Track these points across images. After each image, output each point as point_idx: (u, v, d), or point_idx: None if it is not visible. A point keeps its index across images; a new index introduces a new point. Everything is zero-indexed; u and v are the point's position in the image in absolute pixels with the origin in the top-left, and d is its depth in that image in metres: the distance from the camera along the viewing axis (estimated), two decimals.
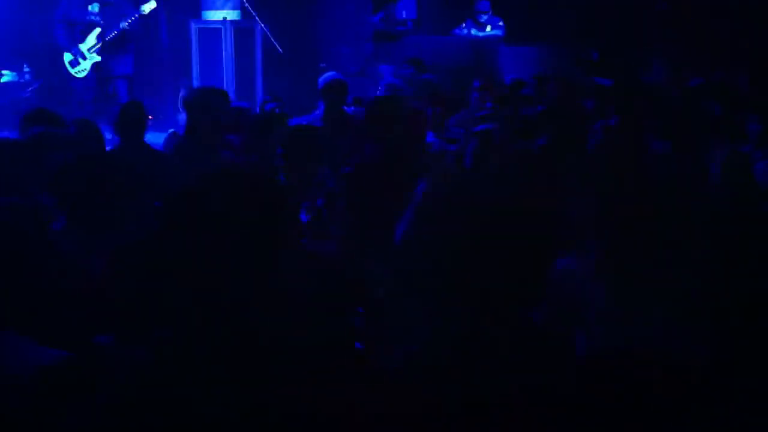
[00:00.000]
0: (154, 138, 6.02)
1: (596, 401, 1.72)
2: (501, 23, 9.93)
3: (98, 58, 7.51)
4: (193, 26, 8.98)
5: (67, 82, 7.67)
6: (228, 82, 8.74)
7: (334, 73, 5.98)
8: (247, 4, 8.65)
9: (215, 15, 9.10)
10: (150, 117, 6.29)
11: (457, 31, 10.10)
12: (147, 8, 7.46)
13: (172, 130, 6.16)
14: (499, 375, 1.66)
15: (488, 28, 9.96)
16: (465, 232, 1.76)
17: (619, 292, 2.38)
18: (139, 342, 1.74)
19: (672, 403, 1.77)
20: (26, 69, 8.80)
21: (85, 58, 7.52)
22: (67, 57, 7.46)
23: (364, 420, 1.62)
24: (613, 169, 3.72)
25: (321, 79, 5.75)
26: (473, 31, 9.98)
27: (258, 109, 7.71)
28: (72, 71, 7.52)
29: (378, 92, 7.41)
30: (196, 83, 8.88)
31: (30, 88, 8.64)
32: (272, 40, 8.50)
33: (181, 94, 9.30)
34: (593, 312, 2.36)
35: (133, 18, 7.43)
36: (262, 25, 8.60)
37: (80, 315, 2.27)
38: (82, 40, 7.50)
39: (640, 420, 1.74)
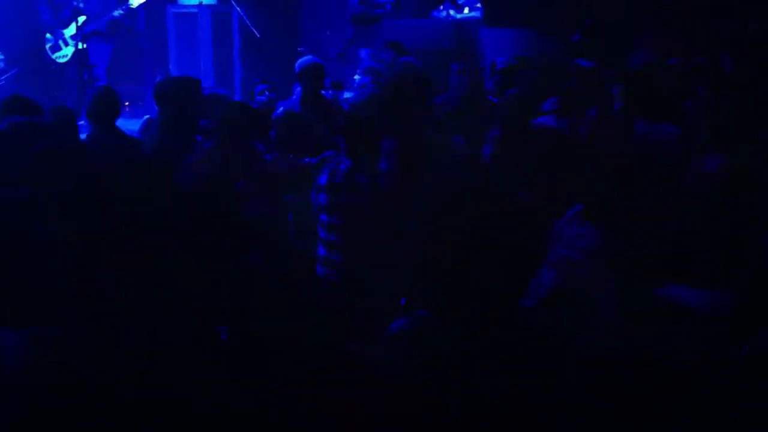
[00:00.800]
0: (133, 125, 5.96)
1: (597, 401, 1.70)
2: (478, 4, 9.86)
3: (81, 46, 7.41)
4: (170, 11, 8.87)
5: (45, 70, 7.55)
6: (205, 67, 8.65)
7: (311, 57, 5.92)
8: None
9: (192, 0, 8.99)
10: (126, 104, 6.22)
11: (435, 13, 10.02)
12: (136, 1, 7.38)
13: (147, 116, 6.08)
14: (499, 375, 1.64)
15: (466, 10, 9.90)
16: (471, 229, 1.71)
17: (627, 290, 2.31)
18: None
19: (672, 403, 1.75)
20: (0, 56, 8.66)
21: (67, 44, 7.44)
22: (48, 42, 7.37)
23: (352, 421, 1.61)
24: (602, 160, 3.65)
25: (298, 63, 5.69)
26: (452, 13, 9.91)
27: (239, 94, 7.66)
28: (53, 56, 7.43)
29: (357, 76, 7.37)
30: (173, 69, 8.78)
31: (5, 76, 8.50)
32: (249, 24, 8.40)
33: (156, 81, 9.21)
34: (599, 310, 2.30)
35: (122, 11, 7.35)
36: (239, 9, 8.49)
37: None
38: (66, 26, 7.40)
39: (641, 420, 1.73)
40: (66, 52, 7.48)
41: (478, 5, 9.90)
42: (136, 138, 4.95)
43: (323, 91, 5.77)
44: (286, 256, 2.08)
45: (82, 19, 7.38)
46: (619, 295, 2.38)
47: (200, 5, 8.72)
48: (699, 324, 2.10)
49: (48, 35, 7.33)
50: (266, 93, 6.02)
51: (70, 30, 7.42)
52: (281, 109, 5.50)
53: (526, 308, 1.94)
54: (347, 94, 6.62)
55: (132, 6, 7.39)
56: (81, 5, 7.40)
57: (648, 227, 2.66)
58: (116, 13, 7.34)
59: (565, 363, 1.74)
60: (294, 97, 5.70)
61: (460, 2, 9.96)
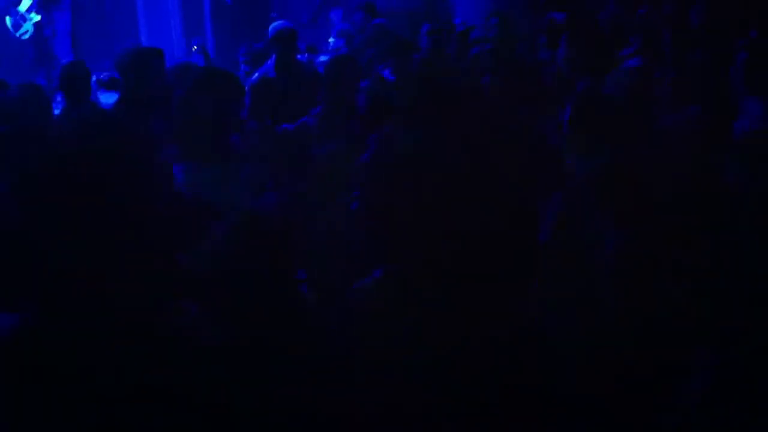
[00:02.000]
0: (110, 99, 5.85)
1: (595, 400, 1.71)
2: None
3: (38, 18, 7.28)
4: None
5: (12, 50, 7.41)
6: (176, 36, 8.54)
7: (283, 21, 5.86)
8: None
9: None
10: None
11: None
12: None
13: None
14: (492, 373, 1.58)
15: None
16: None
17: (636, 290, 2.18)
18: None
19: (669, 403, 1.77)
20: None
21: (25, 20, 7.30)
22: (9, 21, 7.24)
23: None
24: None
25: (270, 29, 5.63)
26: None
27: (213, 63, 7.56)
28: (17, 34, 7.31)
29: (331, 40, 7.32)
30: (143, 39, 8.66)
31: None
32: None
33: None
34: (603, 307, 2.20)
35: None
36: None
37: None
38: (19, 2, 7.26)
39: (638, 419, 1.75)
40: (27, 28, 7.34)
41: None
42: (113, 111, 4.88)
43: (298, 56, 5.72)
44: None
45: None
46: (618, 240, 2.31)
47: None
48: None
49: (7, 18, 7.20)
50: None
51: (24, 5, 7.28)
52: (256, 75, 5.46)
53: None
54: (322, 58, 6.58)
55: None
56: None
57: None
58: None
59: (561, 360, 1.71)
60: (269, 62, 5.65)
61: None
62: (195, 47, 6.78)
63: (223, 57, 8.54)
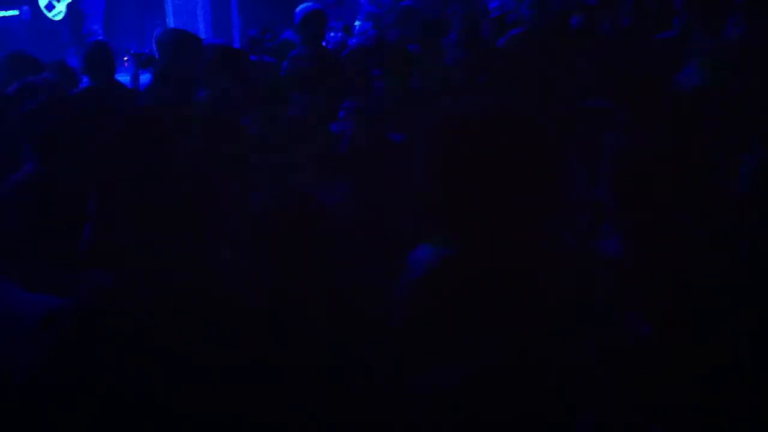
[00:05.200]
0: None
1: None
2: None
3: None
4: None
5: (42, 29, 7.46)
6: (204, 16, 8.56)
7: (311, 3, 5.82)
8: None
9: None
10: (125, 59, 6.15)
11: None
12: None
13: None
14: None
15: None
16: None
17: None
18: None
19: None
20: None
21: (59, 1, 7.38)
22: (42, 1, 7.30)
23: None
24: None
25: (298, 11, 5.58)
26: None
27: (237, 43, 7.57)
28: (49, 15, 7.37)
29: (358, 22, 7.29)
30: (170, 20, 8.69)
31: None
32: None
33: (155, 34, 9.11)
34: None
35: None
36: None
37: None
38: None
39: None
40: (60, 9, 7.41)
41: None
42: (135, 90, 4.94)
43: (332, 34, 5.68)
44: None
45: None
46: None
47: None
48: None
49: None
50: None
51: None
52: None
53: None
54: (353, 41, 6.55)
55: None
56: None
57: None
58: None
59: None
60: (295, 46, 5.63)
61: None
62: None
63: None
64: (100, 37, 7.34)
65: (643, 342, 1.84)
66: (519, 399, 1.52)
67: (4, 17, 6.64)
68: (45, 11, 7.32)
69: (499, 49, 5.48)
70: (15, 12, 6.69)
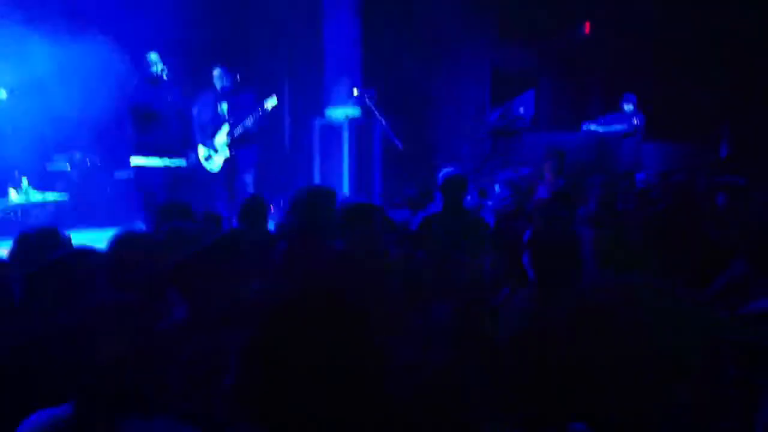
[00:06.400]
0: None
1: None
2: (639, 119, 9.68)
3: (228, 154, 7.84)
4: (316, 123, 9.32)
5: (199, 180, 7.98)
6: (349, 177, 8.95)
7: (454, 168, 5.99)
8: (368, 102, 8.90)
9: (337, 113, 9.41)
10: (272, 208, 6.47)
11: (584, 126, 9.97)
12: (269, 105, 7.79)
13: None
14: None
15: (635, 121, 9.69)
16: None
17: None
18: None
19: None
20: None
21: (217, 153, 7.88)
22: (204, 153, 7.81)
23: None
24: None
25: (441, 174, 5.77)
26: (593, 127, 9.86)
27: (378, 202, 7.82)
28: (206, 166, 7.85)
29: (497, 187, 7.39)
30: (317, 178, 9.14)
31: None
32: (392, 136, 8.66)
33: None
34: None
35: (257, 114, 7.76)
36: (383, 122, 8.79)
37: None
38: (213, 137, 7.87)
39: None
40: (218, 162, 7.89)
41: (635, 121, 9.73)
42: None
43: (468, 197, 5.79)
44: None
45: (226, 128, 7.84)
46: None
47: (346, 118, 9.12)
48: None
49: (202, 147, 7.79)
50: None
51: (219, 140, 7.87)
52: (420, 215, 5.56)
53: None
54: (488, 203, 6.65)
55: (267, 108, 7.79)
56: (224, 116, 7.88)
57: None
58: (254, 115, 7.76)
59: None
60: (433, 206, 5.76)
61: (624, 108, 9.84)
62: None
63: (389, 199, 8.84)
64: (251, 189, 7.77)
65: None
66: None
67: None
68: (203, 162, 7.82)
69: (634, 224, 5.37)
70: (182, 162, 7.22)
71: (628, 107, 9.78)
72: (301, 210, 4.58)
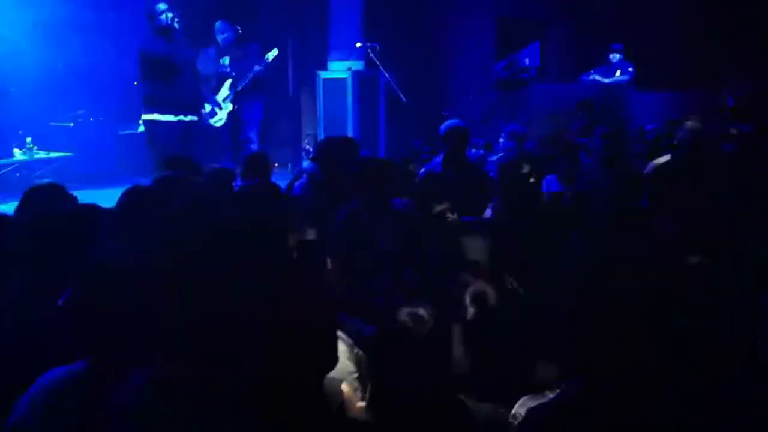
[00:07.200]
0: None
1: None
2: (631, 69, 9.72)
3: (231, 107, 7.84)
4: (320, 77, 9.26)
5: (203, 135, 7.93)
6: (352, 130, 8.93)
7: (457, 120, 5.97)
8: (372, 55, 8.83)
9: (341, 66, 9.34)
10: (275, 165, 6.48)
11: (583, 77, 9.95)
12: (271, 56, 7.76)
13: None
14: None
15: (618, 73, 9.76)
16: None
17: None
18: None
19: None
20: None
21: (221, 108, 7.86)
22: (206, 108, 7.79)
23: None
24: None
25: (443, 126, 5.76)
26: (598, 77, 9.80)
27: (383, 155, 7.82)
28: (210, 122, 7.84)
29: (501, 139, 7.37)
30: (321, 131, 9.12)
31: None
32: (396, 89, 8.61)
33: (306, 143, 9.59)
34: None
35: (260, 66, 7.72)
36: (387, 74, 8.74)
37: None
38: (217, 92, 7.85)
39: None
40: (221, 116, 7.89)
41: (630, 69, 9.76)
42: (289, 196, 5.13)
43: (474, 151, 5.79)
44: None
45: (228, 81, 7.81)
46: None
47: (349, 71, 9.06)
48: None
49: (206, 105, 7.75)
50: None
51: (222, 94, 7.85)
52: (423, 170, 5.56)
53: None
54: (493, 157, 6.63)
55: (268, 60, 7.74)
56: (226, 70, 7.83)
57: None
58: (256, 68, 7.71)
59: None
60: (437, 158, 5.76)
61: (612, 61, 9.83)
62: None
63: (394, 152, 8.83)
64: (255, 144, 7.77)
65: None
66: None
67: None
68: (207, 118, 7.81)
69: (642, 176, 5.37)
70: (195, 118, 7.08)
71: (614, 57, 9.78)
72: (324, 157, 4.62)
